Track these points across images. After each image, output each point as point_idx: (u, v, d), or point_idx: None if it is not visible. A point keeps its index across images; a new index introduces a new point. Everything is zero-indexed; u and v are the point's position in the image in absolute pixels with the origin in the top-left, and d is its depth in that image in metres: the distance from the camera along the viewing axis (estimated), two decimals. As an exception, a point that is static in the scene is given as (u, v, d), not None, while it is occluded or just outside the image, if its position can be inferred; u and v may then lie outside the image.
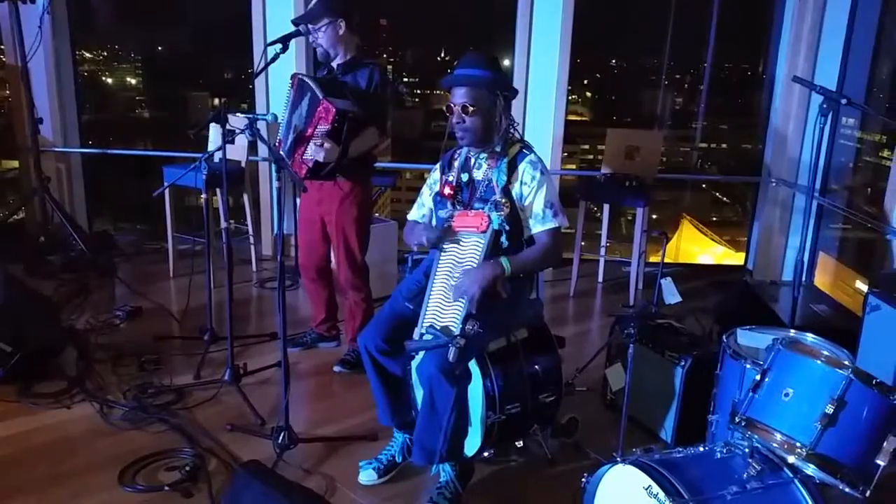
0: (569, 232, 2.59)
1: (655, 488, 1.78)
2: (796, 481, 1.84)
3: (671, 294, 2.83)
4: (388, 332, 2.42)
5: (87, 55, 6.25)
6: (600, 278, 4.79)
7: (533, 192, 2.37)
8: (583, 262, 4.60)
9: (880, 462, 1.82)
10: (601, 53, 7.31)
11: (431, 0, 6.60)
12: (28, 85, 4.57)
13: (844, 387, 1.81)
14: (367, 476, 2.50)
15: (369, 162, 3.23)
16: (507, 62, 4.78)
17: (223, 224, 3.09)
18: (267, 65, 3.04)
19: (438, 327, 2.24)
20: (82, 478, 2.50)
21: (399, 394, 2.54)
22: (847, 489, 1.82)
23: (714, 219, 7.75)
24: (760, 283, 4.75)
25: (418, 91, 7.50)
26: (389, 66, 7.09)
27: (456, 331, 2.20)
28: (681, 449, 1.99)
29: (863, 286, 3.83)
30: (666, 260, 2.95)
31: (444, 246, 2.40)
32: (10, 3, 4.39)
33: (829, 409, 1.80)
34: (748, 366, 2.24)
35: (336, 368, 3.32)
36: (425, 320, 2.31)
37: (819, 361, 1.89)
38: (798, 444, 1.83)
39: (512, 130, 2.43)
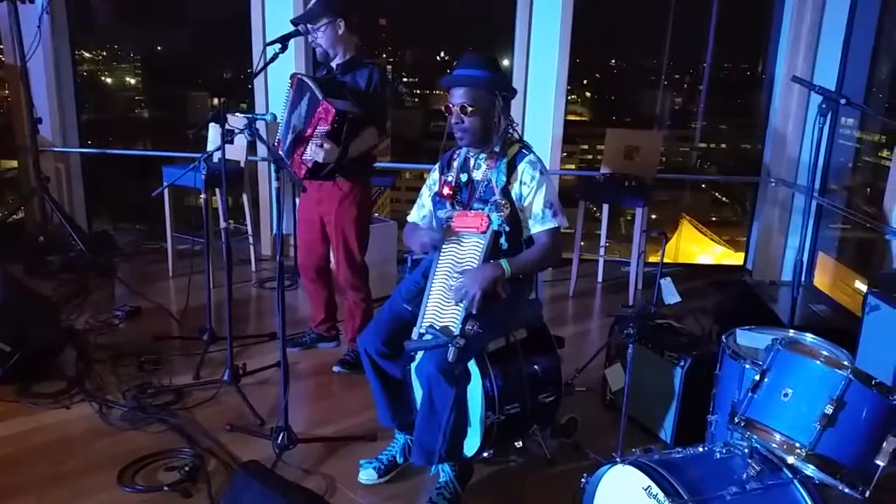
0: (568, 232, 2.59)
1: (655, 489, 1.78)
2: (796, 482, 1.84)
3: (670, 294, 2.83)
4: (387, 334, 2.42)
5: (87, 55, 6.25)
6: (600, 278, 4.79)
7: (532, 193, 2.37)
8: (582, 262, 4.60)
9: (880, 462, 1.82)
10: (600, 53, 7.31)
11: (431, 0, 6.60)
12: (27, 85, 4.57)
13: (844, 387, 1.81)
14: (366, 475, 2.50)
15: (369, 162, 3.23)
16: (506, 62, 4.78)
17: (222, 224, 3.08)
18: (266, 65, 3.04)
19: (438, 327, 2.24)
20: (82, 478, 2.50)
21: (399, 395, 2.53)
22: (846, 489, 1.82)
23: (713, 219, 7.75)
24: (760, 283, 4.76)
25: (418, 91, 7.49)
26: (389, 66, 7.08)
27: (455, 331, 2.20)
28: (680, 449, 1.99)
29: (862, 286, 3.84)
30: (665, 260, 2.96)
31: (444, 246, 2.40)
32: (9, 2, 4.39)
33: (829, 410, 1.80)
34: (747, 366, 2.24)
35: (335, 369, 3.32)
36: (425, 320, 2.31)
37: (818, 362, 1.89)
38: (797, 445, 1.83)
39: (511, 131, 2.43)
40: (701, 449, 1.99)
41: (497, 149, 2.39)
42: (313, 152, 2.91)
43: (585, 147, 7.29)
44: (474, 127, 2.35)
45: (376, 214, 4.58)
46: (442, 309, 2.30)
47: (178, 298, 4.24)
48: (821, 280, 4.51)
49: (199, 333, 3.52)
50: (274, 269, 4.51)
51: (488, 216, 2.32)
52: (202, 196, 3.49)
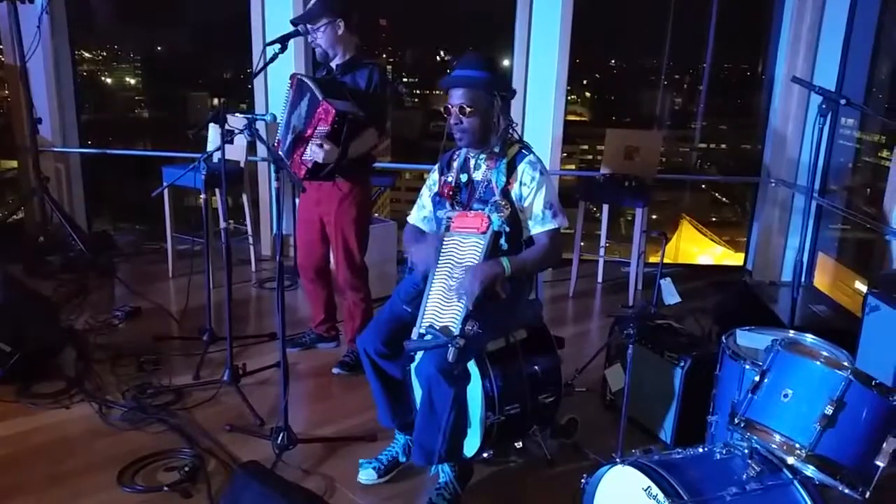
0: (568, 232, 2.59)
1: (655, 489, 1.78)
2: (796, 482, 1.84)
3: (670, 294, 2.83)
4: (387, 335, 2.42)
5: (87, 55, 6.25)
6: (600, 279, 4.79)
7: (532, 193, 2.37)
8: (582, 263, 4.60)
9: (880, 463, 1.82)
10: (600, 53, 7.31)
11: (431, 0, 6.60)
12: (27, 85, 4.57)
13: (844, 388, 1.81)
14: (366, 475, 2.50)
15: (368, 162, 3.22)
16: (506, 62, 4.78)
17: (222, 224, 3.08)
18: (266, 65, 3.04)
19: (438, 327, 2.24)
20: (81, 478, 2.49)
21: (399, 395, 2.53)
22: (846, 490, 1.82)
23: (713, 219, 7.75)
24: (760, 283, 4.76)
25: (418, 91, 7.50)
26: (389, 67, 7.08)
27: (455, 331, 2.20)
28: (680, 450, 1.99)
29: (862, 287, 3.83)
30: (665, 260, 2.95)
31: (444, 246, 2.40)
32: (8, 2, 4.39)
33: (829, 410, 1.80)
34: (747, 367, 2.24)
35: (335, 371, 3.31)
36: (424, 320, 2.31)
37: (818, 362, 1.89)
38: (797, 446, 1.83)
39: (511, 131, 2.43)
40: (701, 449, 1.99)
41: (497, 149, 2.39)
42: (313, 153, 2.91)
43: (585, 147, 7.29)
44: (473, 127, 2.35)
45: (376, 214, 4.58)
46: (442, 309, 2.29)
47: (177, 299, 4.24)
48: (821, 280, 4.50)
49: (198, 334, 3.52)
50: (274, 270, 4.51)
51: (488, 217, 2.32)
52: (202, 196, 3.48)
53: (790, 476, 1.86)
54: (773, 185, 4.74)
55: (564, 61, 4.68)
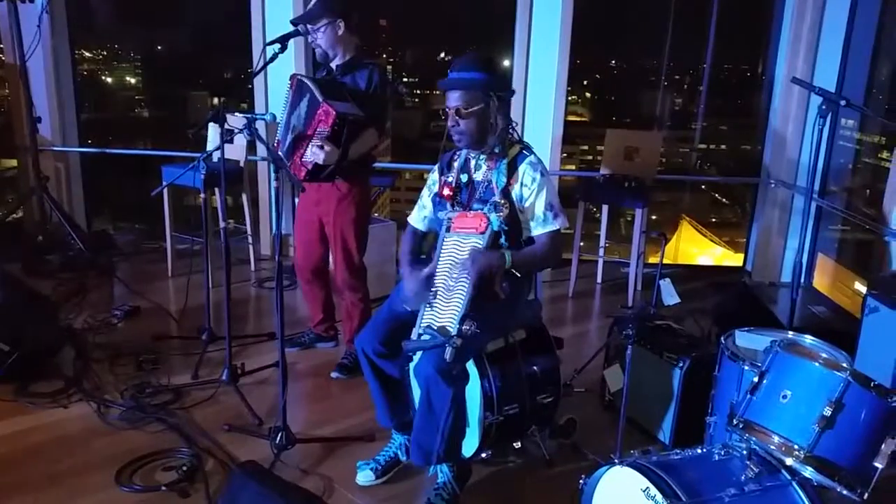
0: (568, 233, 2.59)
1: (653, 490, 1.78)
2: (794, 483, 1.84)
3: (670, 295, 2.82)
4: (385, 334, 2.41)
5: (87, 54, 6.25)
6: (599, 279, 4.78)
7: (534, 194, 2.37)
8: (582, 263, 4.60)
9: (878, 465, 1.81)
10: (601, 54, 7.31)
11: (431, 0, 6.60)
12: (27, 84, 4.57)
13: (842, 389, 1.81)
14: (364, 477, 2.50)
15: (368, 162, 3.22)
16: (506, 62, 4.78)
17: (222, 224, 3.07)
18: (266, 64, 3.04)
19: (436, 327, 2.24)
20: (79, 477, 2.49)
21: (397, 395, 2.53)
22: (845, 492, 1.81)
23: (713, 220, 7.76)
24: (759, 284, 4.76)
25: (418, 91, 7.50)
26: (389, 67, 7.09)
27: (453, 331, 2.20)
28: (679, 451, 1.99)
29: (861, 288, 3.83)
30: (665, 261, 2.95)
31: (443, 247, 2.40)
32: (8, 2, 4.39)
33: (827, 412, 1.80)
34: (746, 367, 2.24)
35: (333, 375, 3.29)
36: (423, 320, 2.31)
37: (817, 363, 1.89)
38: (796, 447, 1.83)
39: (511, 131, 2.43)
40: (699, 450, 1.99)
41: (497, 150, 2.39)
42: (313, 154, 2.90)
43: (585, 148, 7.29)
44: (470, 129, 2.35)
45: (376, 214, 4.58)
46: (440, 309, 2.29)
47: (176, 298, 4.24)
48: (820, 281, 4.50)
49: (197, 333, 3.52)
50: (273, 269, 4.51)
51: (487, 216, 2.32)
52: (201, 196, 3.48)
53: (789, 477, 1.85)
54: (773, 185, 4.73)
55: (564, 61, 4.67)
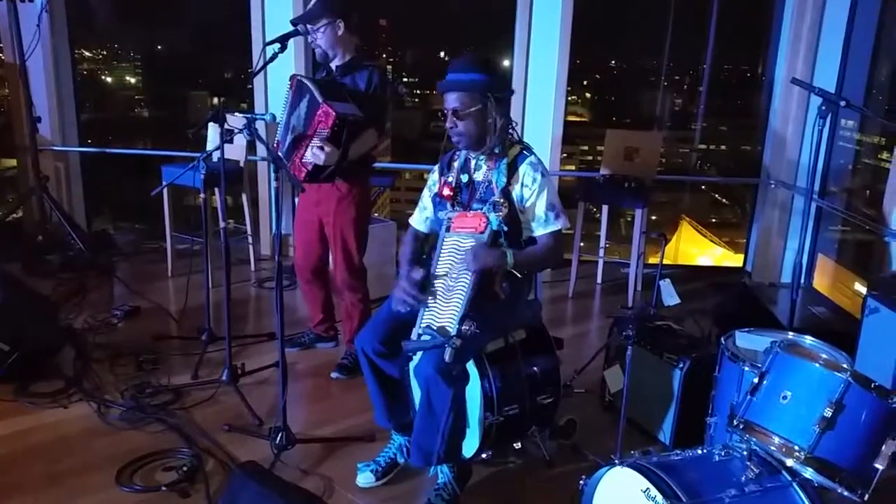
0: (568, 233, 2.59)
1: (653, 491, 1.78)
2: (794, 484, 1.84)
3: (670, 296, 2.82)
4: (384, 334, 2.41)
5: (87, 54, 6.25)
6: (599, 279, 4.78)
7: (535, 195, 2.37)
8: (582, 264, 4.60)
9: (879, 466, 1.81)
10: (601, 54, 7.32)
11: (431, 0, 6.60)
12: (26, 83, 4.56)
13: (843, 390, 1.81)
14: (364, 478, 2.49)
15: (368, 163, 3.22)
16: (506, 62, 4.78)
17: (221, 224, 3.07)
18: (265, 64, 3.04)
19: (435, 328, 2.24)
20: (79, 477, 2.49)
21: (396, 395, 2.53)
22: (845, 493, 1.81)
23: (713, 220, 7.76)
24: (759, 284, 4.75)
25: (418, 91, 7.50)
26: (389, 67, 7.09)
27: (453, 331, 2.20)
28: (679, 451, 1.99)
29: (862, 288, 3.83)
30: (665, 261, 2.95)
31: (443, 247, 2.40)
32: (8, 1, 4.39)
33: (828, 413, 1.80)
34: (746, 368, 2.24)
35: (333, 375, 3.29)
36: (423, 321, 2.31)
37: (817, 364, 1.89)
38: (796, 448, 1.83)
39: (511, 131, 2.43)
40: (700, 451, 1.98)
41: (497, 150, 2.39)
42: (313, 156, 2.90)
43: (585, 148, 7.30)
44: (468, 130, 2.35)
45: (376, 214, 4.58)
46: (440, 309, 2.29)
47: (176, 298, 4.24)
48: (820, 282, 4.50)
49: (197, 333, 3.52)
50: (273, 269, 4.51)
51: (486, 216, 2.32)
52: (201, 196, 3.48)
53: (789, 478, 1.85)
54: (773, 186, 4.74)
55: (564, 62, 4.67)
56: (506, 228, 2.33)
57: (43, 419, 2.86)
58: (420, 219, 2.63)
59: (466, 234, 2.36)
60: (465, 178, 2.47)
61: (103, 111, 6.61)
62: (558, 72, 4.67)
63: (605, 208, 4.66)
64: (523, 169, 2.37)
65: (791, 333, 2.40)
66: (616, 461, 1.94)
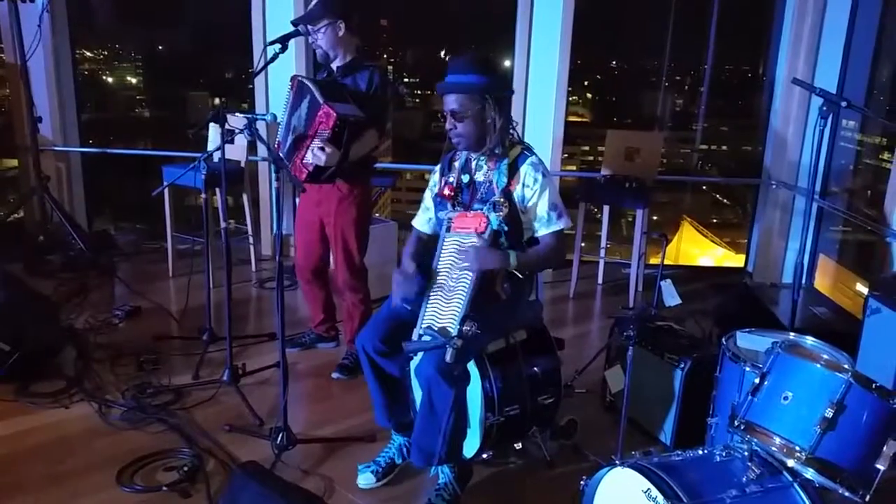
0: (569, 233, 2.59)
1: (654, 492, 1.77)
2: (796, 485, 1.84)
3: (671, 296, 2.82)
4: (385, 332, 2.41)
5: (88, 54, 6.26)
6: (600, 280, 4.78)
7: (536, 195, 2.36)
8: (583, 264, 4.60)
9: (880, 466, 1.81)
10: (601, 54, 7.32)
11: (432, 0, 6.61)
12: (27, 83, 4.57)
13: (844, 391, 1.80)
14: (365, 480, 2.49)
15: (369, 163, 3.22)
16: (507, 63, 4.78)
17: (222, 224, 3.08)
18: (266, 64, 3.04)
19: (436, 328, 2.24)
20: (80, 477, 2.49)
21: (396, 394, 2.53)
22: (846, 493, 1.81)
23: (714, 221, 7.76)
24: (760, 285, 4.74)
25: (419, 91, 7.50)
26: (390, 67, 7.09)
27: (453, 332, 2.20)
28: (680, 452, 1.98)
29: (863, 289, 3.82)
30: (666, 262, 2.95)
31: (444, 247, 2.40)
32: (9, 1, 4.39)
33: (829, 413, 1.80)
34: (747, 369, 2.24)
35: (334, 375, 3.29)
36: (423, 321, 2.31)
37: (818, 365, 1.89)
38: (797, 448, 1.82)
39: (511, 131, 2.43)
40: (701, 452, 1.98)
41: (498, 151, 2.39)
42: (314, 157, 2.89)
43: (586, 148, 7.30)
44: (468, 132, 2.35)
45: (377, 215, 4.58)
46: (441, 310, 2.29)
47: (177, 298, 4.24)
48: (821, 282, 4.49)
49: (198, 333, 3.52)
50: (274, 269, 4.51)
51: (486, 216, 2.32)
52: (202, 196, 3.48)
53: (790, 479, 1.85)
54: (774, 186, 4.73)
55: (565, 62, 4.67)
56: (506, 228, 2.33)
57: (44, 419, 2.86)
58: (423, 220, 2.63)
59: (467, 234, 2.36)
60: (465, 178, 2.47)
61: (104, 111, 6.62)
62: (559, 72, 4.67)
63: (605, 209, 4.66)
64: (524, 169, 2.37)
65: (792, 334, 2.39)
66: (617, 461, 1.94)
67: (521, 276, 2.39)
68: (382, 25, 6.68)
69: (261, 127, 2.77)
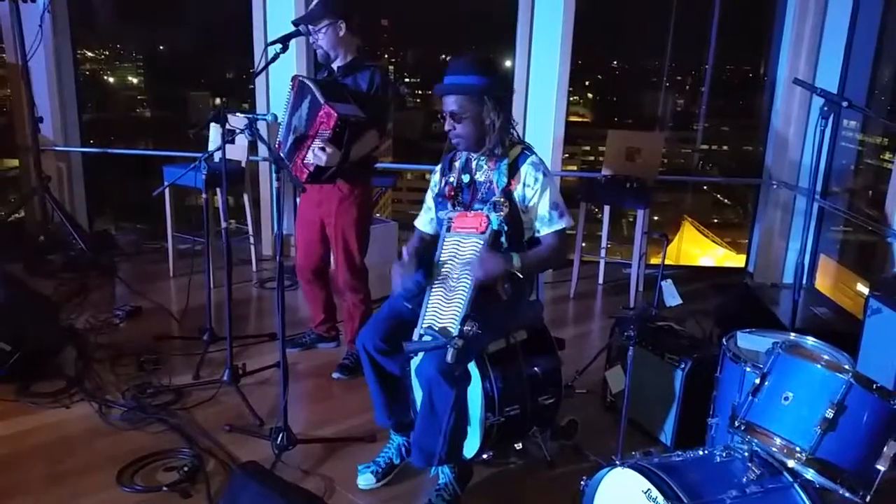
0: (570, 233, 2.60)
1: (654, 492, 1.77)
2: (796, 486, 1.84)
3: (671, 296, 2.82)
4: (386, 331, 2.41)
5: (89, 54, 6.27)
6: (601, 280, 4.78)
7: (537, 195, 2.36)
8: (583, 264, 4.60)
9: (880, 467, 1.81)
10: (602, 54, 7.32)
11: (432, 0, 6.61)
12: (28, 83, 4.57)
13: (844, 391, 1.80)
14: (365, 480, 2.49)
15: (370, 163, 3.22)
16: (507, 63, 4.78)
17: (223, 224, 3.08)
18: (267, 64, 3.04)
19: (437, 328, 2.24)
20: (81, 477, 2.49)
21: (396, 394, 2.53)
22: (847, 494, 1.81)
23: (715, 221, 7.76)
24: (761, 285, 4.74)
25: (419, 92, 7.51)
26: (391, 67, 7.09)
27: (454, 332, 2.20)
28: (680, 452, 1.98)
29: (864, 289, 3.82)
30: (666, 262, 2.95)
31: (444, 247, 2.40)
32: (10, 1, 4.39)
33: (829, 414, 1.79)
34: (748, 369, 2.23)
35: (335, 375, 3.29)
36: (424, 321, 2.31)
37: (819, 365, 1.89)
38: (798, 449, 1.82)
39: (511, 130, 2.43)
40: (701, 452, 1.98)
41: (498, 150, 2.39)
42: (315, 157, 2.89)
43: (587, 148, 7.30)
44: (467, 133, 2.35)
45: (377, 215, 4.58)
46: (442, 310, 2.29)
47: (178, 298, 4.24)
48: (822, 283, 4.49)
49: (199, 333, 3.52)
50: (274, 269, 4.51)
51: (487, 216, 2.32)
52: (203, 196, 3.49)
53: (790, 479, 1.85)
54: (775, 186, 4.73)
55: (566, 62, 4.67)
56: (506, 228, 2.33)
57: (44, 419, 2.87)
58: (425, 220, 2.63)
59: (467, 234, 2.36)
60: (466, 178, 2.47)
61: (105, 111, 6.62)
62: (560, 72, 4.67)
63: (606, 209, 4.66)
64: (525, 169, 2.37)
65: (793, 334, 2.39)
66: (617, 462, 1.94)
67: (521, 276, 2.39)
68: (383, 25, 6.68)
69: (261, 127, 2.77)
